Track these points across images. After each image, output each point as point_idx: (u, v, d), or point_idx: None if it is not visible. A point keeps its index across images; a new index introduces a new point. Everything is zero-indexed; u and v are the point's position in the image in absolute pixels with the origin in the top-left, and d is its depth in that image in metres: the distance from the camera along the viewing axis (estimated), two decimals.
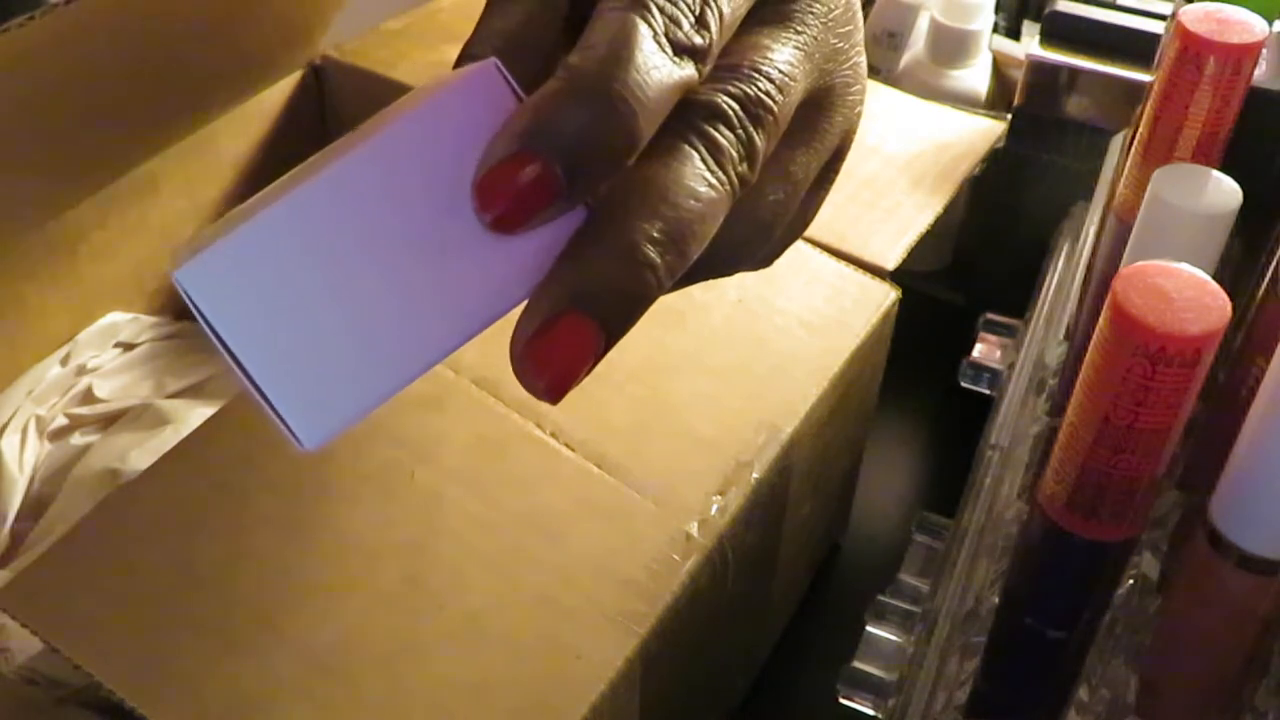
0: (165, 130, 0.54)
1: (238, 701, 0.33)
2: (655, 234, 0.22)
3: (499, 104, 0.23)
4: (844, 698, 0.43)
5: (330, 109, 0.63)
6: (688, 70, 0.23)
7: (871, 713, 0.43)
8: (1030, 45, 0.57)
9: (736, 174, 0.24)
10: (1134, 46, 0.55)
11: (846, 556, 0.61)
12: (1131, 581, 0.36)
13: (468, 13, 0.62)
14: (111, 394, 0.53)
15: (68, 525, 0.42)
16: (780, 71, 0.25)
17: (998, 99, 0.66)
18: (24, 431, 0.51)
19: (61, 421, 0.52)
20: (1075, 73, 0.56)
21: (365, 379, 0.22)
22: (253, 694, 0.34)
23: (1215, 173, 0.32)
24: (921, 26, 0.68)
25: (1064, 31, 0.57)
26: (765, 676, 0.55)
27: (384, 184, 0.22)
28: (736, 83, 0.25)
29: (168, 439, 0.49)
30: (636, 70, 0.22)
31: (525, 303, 0.23)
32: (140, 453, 0.49)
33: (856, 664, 0.43)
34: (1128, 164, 0.36)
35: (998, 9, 0.67)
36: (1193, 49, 0.32)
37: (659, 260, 0.22)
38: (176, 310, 0.59)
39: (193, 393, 0.54)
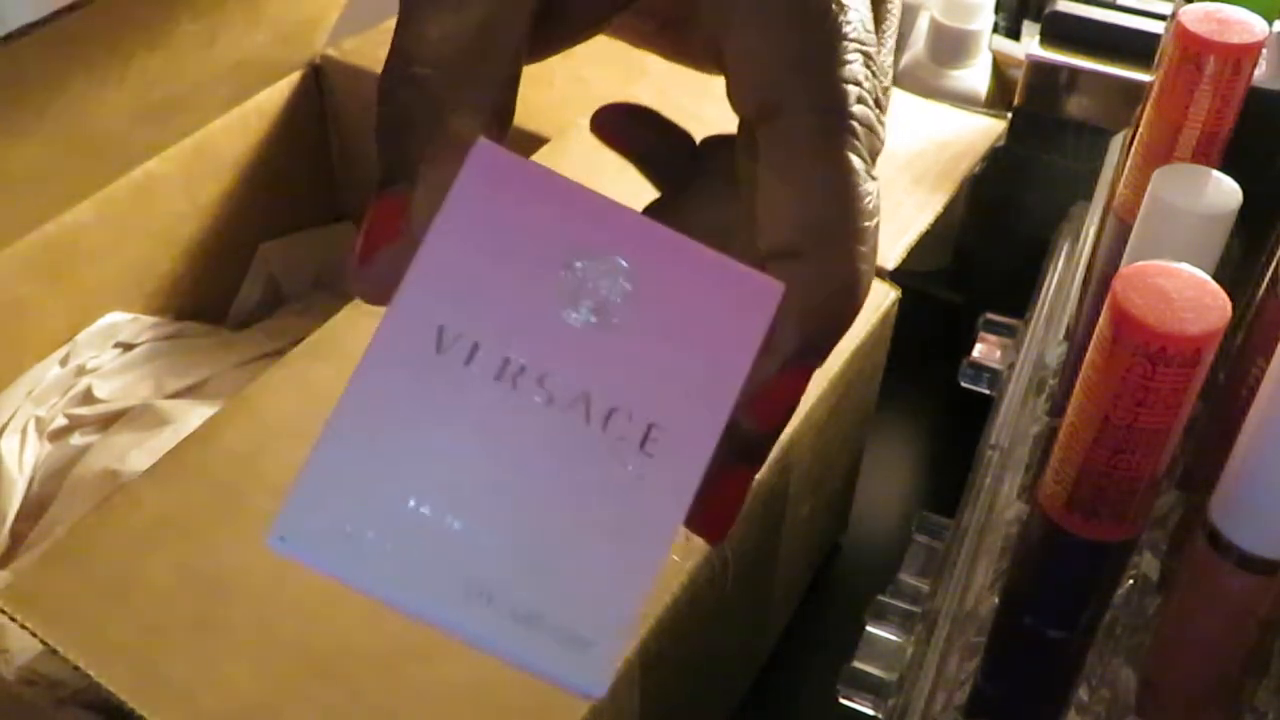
0: (165, 130, 0.54)
1: (237, 703, 0.33)
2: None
3: None
4: (844, 698, 0.43)
5: (330, 109, 0.63)
6: (876, 178, 0.21)
7: (871, 713, 0.42)
8: (1030, 45, 0.57)
9: (873, 156, 0.22)
10: (1134, 46, 0.55)
11: (846, 556, 0.61)
12: (1131, 581, 0.36)
13: None
14: (111, 394, 0.53)
15: (68, 525, 0.42)
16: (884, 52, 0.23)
17: (998, 99, 0.66)
18: (24, 432, 0.51)
19: (61, 422, 0.52)
20: (1075, 73, 0.56)
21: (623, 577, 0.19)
22: (252, 695, 0.34)
23: (1215, 173, 0.32)
24: (921, 26, 0.68)
25: (1064, 31, 0.56)
26: (765, 676, 0.55)
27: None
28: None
29: (168, 439, 0.49)
30: (868, 237, 0.21)
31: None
32: (140, 453, 0.49)
33: (856, 664, 0.43)
34: (1128, 164, 0.36)
35: (998, 9, 0.66)
36: (1193, 49, 0.32)
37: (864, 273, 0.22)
38: (176, 310, 0.59)
39: (193, 393, 0.54)
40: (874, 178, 0.21)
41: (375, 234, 0.21)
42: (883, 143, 0.22)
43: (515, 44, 0.23)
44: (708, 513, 0.21)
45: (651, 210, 0.25)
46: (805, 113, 0.21)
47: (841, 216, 0.21)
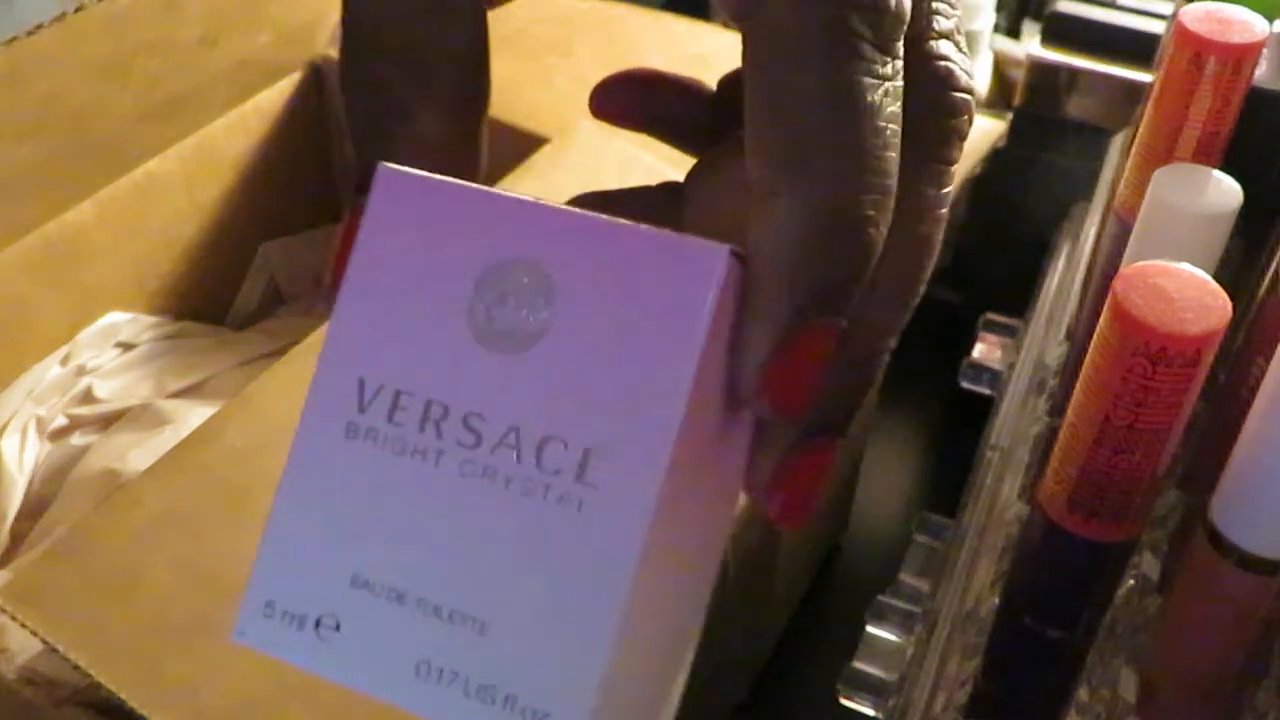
0: (166, 130, 0.54)
1: (237, 701, 0.33)
2: None
3: None
4: (844, 698, 0.43)
5: (330, 109, 0.63)
6: (898, 77, 0.16)
7: (871, 713, 0.43)
8: (1030, 45, 0.57)
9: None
10: (1134, 46, 0.55)
11: (846, 556, 0.61)
12: (1131, 581, 0.36)
13: None
14: (111, 394, 0.53)
15: (68, 525, 0.42)
16: None
17: (998, 99, 0.66)
18: (24, 432, 0.51)
19: (61, 421, 0.52)
20: (1075, 73, 0.56)
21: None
22: (253, 693, 0.34)
23: (1215, 173, 0.32)
24: None
25: (1064, 31, 0.57)
26: (765, 676, 0.55)
27: None
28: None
29: (168, 439, 0.49)
30: (872, 155, 0.16)
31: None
32: (140, 453, 0.49)
33: (856, 664, 0.43)
34: (1128, 164, 0.36)
35: (998, 9, 0.67)
36: (1193, 49, 0.32)
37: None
38: (176, 310, 0.59)
39: (193, 393, 0.54)
40: (885, 75, 0.16)
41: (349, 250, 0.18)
42: (896, 30, 0.16)
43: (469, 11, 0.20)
44: (784, 496, 0.18)
45: (689, 178, 0.22)
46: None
47: (828, 131, 0.16)
